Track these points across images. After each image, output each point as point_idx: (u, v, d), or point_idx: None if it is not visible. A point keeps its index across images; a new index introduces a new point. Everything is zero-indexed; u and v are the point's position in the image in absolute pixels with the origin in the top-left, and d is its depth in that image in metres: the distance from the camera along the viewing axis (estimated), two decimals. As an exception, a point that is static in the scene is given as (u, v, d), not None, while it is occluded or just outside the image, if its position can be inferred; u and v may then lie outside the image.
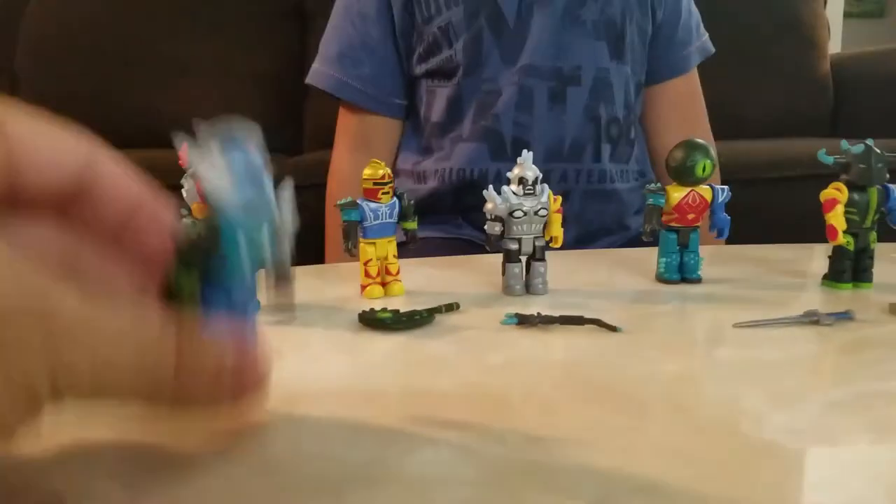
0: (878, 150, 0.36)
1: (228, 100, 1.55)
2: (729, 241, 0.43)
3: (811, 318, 0.32)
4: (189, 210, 0.35)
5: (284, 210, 0.20)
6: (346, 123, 0.75)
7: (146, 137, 1.47)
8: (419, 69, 0.72)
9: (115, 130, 1.42)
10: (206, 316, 0.19)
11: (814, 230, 0.44)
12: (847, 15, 5.28)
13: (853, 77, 1.66)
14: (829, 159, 0.37)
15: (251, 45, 1.58)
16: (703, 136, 0.75)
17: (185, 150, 0.34)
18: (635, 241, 0.70)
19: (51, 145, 0.18)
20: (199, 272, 0.19)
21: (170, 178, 0.90)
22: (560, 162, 0.67)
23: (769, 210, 1.10)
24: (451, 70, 0.69)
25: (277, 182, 0.21)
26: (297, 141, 1.59)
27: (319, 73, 0.74)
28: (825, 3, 1.74)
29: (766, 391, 0.24)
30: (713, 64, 1.60)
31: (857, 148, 0.37)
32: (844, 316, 0.32)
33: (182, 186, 0.35)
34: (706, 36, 0.78)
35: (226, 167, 0.19)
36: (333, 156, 0.76)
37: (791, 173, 1.14)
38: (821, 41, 1.68)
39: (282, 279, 0.20)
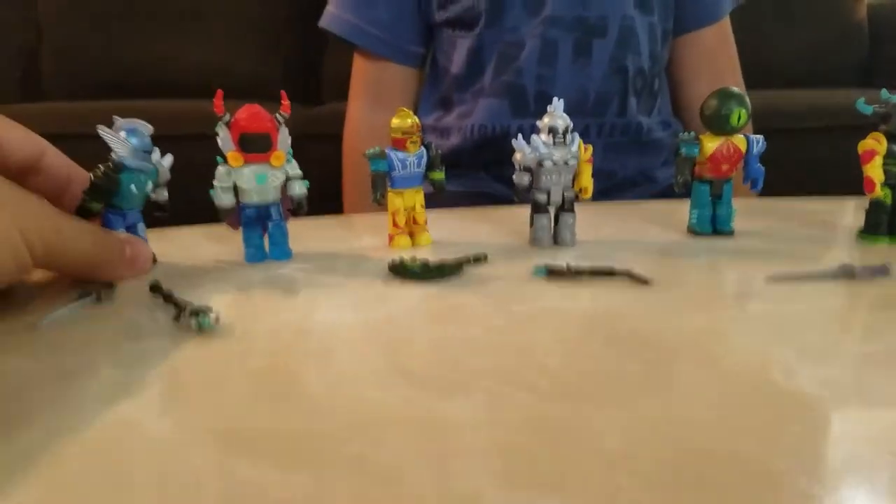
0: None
1: (245, 48, 1.54)
2: (762, 193, 0.42)
3: (846, 272, 0.31)
4: (224, 158, 0.35)
5: (163, 170, 0.36)
6: (361, 71, 0.74)
7: (166, 85, 1.48)
8: (439, 16, 0.70)
9: (135, 78, 1.43)
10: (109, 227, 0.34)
11: (849, 181, 0.43)
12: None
13: (891, 23, 1.60)
14: (868, 109, 0.36)
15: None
16: (735, 86, 0.74)
17: (220, 97, 0.34)
18: (663, 195, 0.70)
19: (20, 137, 0.32)
20: (103, 203, 0.34)
21: (186, 126, 0.90)
22: (583, 116, 0.66)
23: (803, 161, 1.07)
24: (473, 19, 0.68)
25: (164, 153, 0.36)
26: (316, 91, 1.58)
27: (333, 16, 0.73)
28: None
29: (797, 344, 0.24)
30: (743, 8, 1.55)
31: (900, 97, 0.36)
32: (880, 270, 0.31)
33: (217, 134, 0.35)
34: None
35: (126, 144, 0.34)
36: (349, 106, 0.75)
37: (826, 123, 1.11)
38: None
39: (161, 208, 0.36)
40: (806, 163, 1.08)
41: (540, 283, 0.33)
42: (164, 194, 0.36)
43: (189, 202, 0.44)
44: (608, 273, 0.33)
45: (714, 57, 0.75)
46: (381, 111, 0.72)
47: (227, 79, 1.52)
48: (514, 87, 0.66)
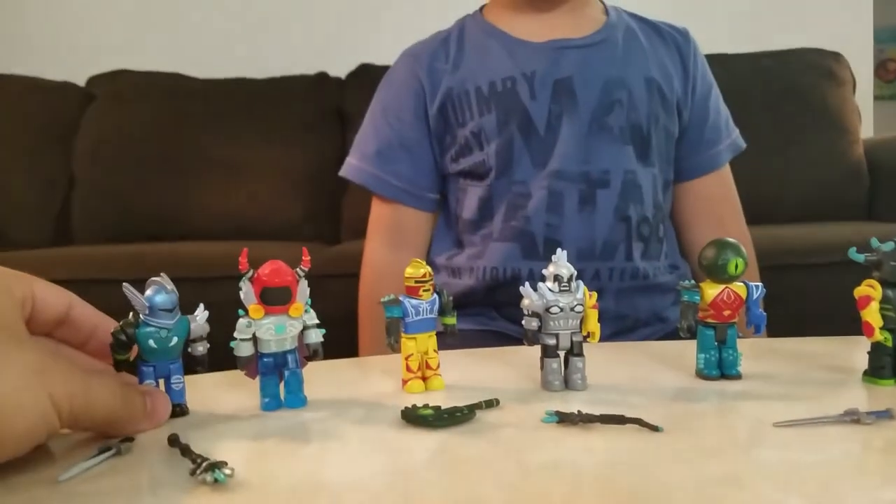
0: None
1: (274, 197, 1.63)
2: (770, 332, 0.43)
3: (852, 417, 0.32)
4: (245, 310, 0.37)
5: (195, 325, 0.38)
6: (380, 215, 0.78)
7: (201, 232, 1.55)
8: (452, 168, 0.75)
9: (172, 228, 1.51)
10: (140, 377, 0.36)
11: (857, 316, 0.44)
12: (878, 97, 5.32)
13: (888, 161, 1.66)
14: (860, 257, 0.38)
15: (295, 146, 1.69)
16: (736, 231, 0.77)
17: (245, 256, 0.37)
18: (673, 334, 0.70)
19: (52, 294, 0.35)
20: (127, 355, 0.36)
21: (214, 269, 0.93)
22: (592, 261, 0.68)
23: (807, 296, 1.08)
24: (484, 172, 0.72)
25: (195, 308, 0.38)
26: (335, 231, 1.65)
27: (356, 168, 0.78)
28: (854, 89, 1.77)
29: (810, 495, 0.24)
30: (748, 151, 1.63)
31: (888, 245, 0.37)
32: (884, 414, 0.32)
33: (241, 289, 0.37)
34: (736, 132, 0.80)
35: (142, 301, 0.36)
36: (366, 247, 0.79)
37: (827, 259, 1.13)
38: (852, 127, 1.70)
39: (198, 362, 0.38)
40: (810, 298, 1.10)
41: (552, 429, 0.33)
42: (198, 349, 0.38)
43: (214, 347, 0.45)
44: (619, 420, 0.33)
45: (715, 203, 0.78)
46: (399, 252, 0.75)
47: (253, 224, 1.60)
48: (523, 233, 0.70)
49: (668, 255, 0.74)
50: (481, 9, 0.80)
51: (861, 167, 1.67)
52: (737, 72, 1.73)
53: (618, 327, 0.70)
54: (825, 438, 0.30)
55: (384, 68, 1.86)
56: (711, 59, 1.80)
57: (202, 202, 1.64)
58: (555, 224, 0.69)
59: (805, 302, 1.08)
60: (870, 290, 0.37)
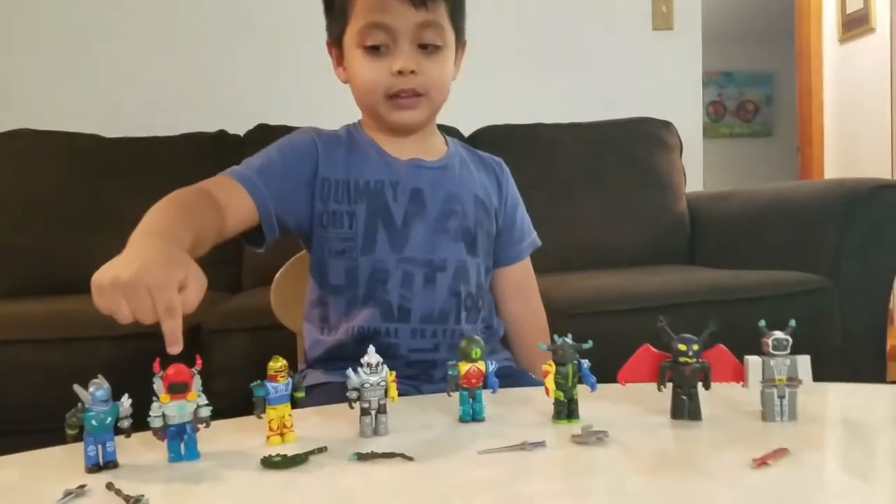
0: (570, 342, 0.63)
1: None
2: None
3: (523, 445, 0.56)
4: (158, 397, 0.57)
5: (122, 409, 0.57)
6: (225, 184, 0.87)
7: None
8: (321, 236, 0.93)
9: (79, 282, 1.64)
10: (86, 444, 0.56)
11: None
12: (738, 135, 5.95)
13: (705, 213, 2.01)
14: (544, 347, 0.63)
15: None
16: (535, 303, 1.07)
17: (157, 362, 0.57)
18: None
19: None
20: (78, 430, 0.56)
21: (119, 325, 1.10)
22: (432, 324, 0.92)
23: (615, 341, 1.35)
24: (350, 248, 0.93)
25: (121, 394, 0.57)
26: (237, 280, 1.81)
27: (236, 170, 0.90)
28: (681, 153, 2.12)
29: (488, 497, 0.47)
30: (592, 209, 1.94)
31: (560, 340, 0.63)
32: (540, 444, 0.56)
33: (154, 383, 0.57)
34: (534, 234, 1.08)
35: (87, 395, 0.55)
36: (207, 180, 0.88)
37: (638, 305, 1.41)
38: (676, 185, 2.05)
39: (123, 432, 0.57)
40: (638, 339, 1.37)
41: (353, 465, 0.55)
42: (124, 423, 0.57)
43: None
44: (391, 455, 0.56)
45: (520, 285, 1.06)
46: (217, 204, 0.83)
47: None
48: (383, 302, 0.92)
49: (485, 319, 0.99)
50: (359, 122, 1.00)
51: (683, 219, 2.02)
52: (584, 138, 2.05)
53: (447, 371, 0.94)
54: (502, 460, 0.54)
55: (281, 128, 2.04)
56: (564, 126, 2.10)
57: (106, 256, 1.74)
58: (406, 296, 0.92)
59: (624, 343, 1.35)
60: (548, 367, 0.62)
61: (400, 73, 0.89)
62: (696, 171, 2.38)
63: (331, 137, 0.99)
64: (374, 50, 0.89)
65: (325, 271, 0.96)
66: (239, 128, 1.98)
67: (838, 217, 1.55)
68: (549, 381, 0.63)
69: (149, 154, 1.90)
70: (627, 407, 0.68)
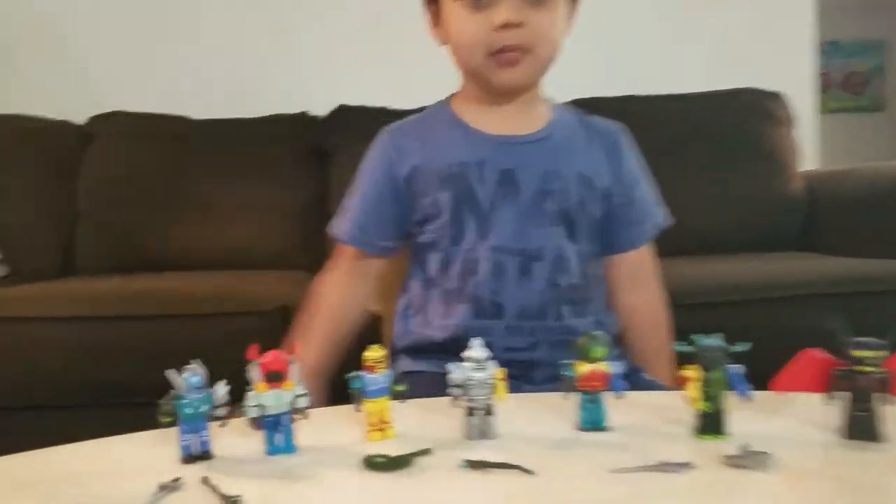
0: (719, 343, 0.54)
1: (261, 230, 1.78)
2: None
3: (660, 467, 0.48)
4: (254, 384, 0.53)
5: (217, 396, 0.53)
6: (345, 252, 0.93)
7: (194, 264, 1.70)
8: (418, 234, 0.91)
9: (169, 260, 1.66)
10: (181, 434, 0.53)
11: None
12: (845, 110, 5.51)
13: (824, 194, 1.83)
14: (682, 348, 0.54)
15: (280, 182, 1.83)
16: (654, 294, 0.96)
17: (254, 348, 0.53)
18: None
19: None
20: (172, 419, 0.53)
21: (213, 305, 1.11)
22: (529, 320, 0.84)
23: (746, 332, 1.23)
24: (440, 239, 0.88)
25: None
26: (319, 260, 1.79)
27: (335, 224, 0.94)
28: (792, 127, 1.93)
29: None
30: (694, 189, 1.79)
31: (701, 340, 0.54)
32: (685, 466, 0.48)
33: (249, 371, 0.53)
34: (661, 213, 0.96)
35: (181, 382, 0.52)
36: (331, 266, 0.94)
37: (762, 295, 1.29)
38: (787, 162, 1.87)
39: (222, 419, 0.54)
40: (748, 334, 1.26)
41: (463, 472, 0.49)
42: (219, 412, 0.53)
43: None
44: (507, 465, 0.50)
45: (637, 274, 0.95)
46: (356, 279, 0.93)
47: (242, 254, 1.75)
48: (474, 297, 0.85)
49: (594, 313, 0.90)
50: (450, 98, 0.95)
51: (797, 200, 1.83)
52: (681, 111, 1.91)
53: (551, 372, 0.86)
54: (639, 482, 0.47)
55: (360, 108, 2.00)
56: (659, 98, 1.96)
57: (194, 235, 1.77)
58: (498, 290, 0.85)
59: (737, 338, 1.24)
60: (691, 373, 0.54)
61: (504, 26, 0.80)
62: (811, 149, 2.18)
63: (404, 130, 0.94)
64: (473, 1, 0.81)
65: (420, 262, 0.92)
66: (320, 109, 1.95)
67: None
68: (693, 390, 0.54)
69: (234, 135, 1.90)
70: (785, 421, 0.58)
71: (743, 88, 1.94)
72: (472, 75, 0.88)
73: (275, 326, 1.27)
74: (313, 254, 1.79)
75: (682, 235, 1.80)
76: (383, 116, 1.86)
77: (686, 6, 2.24)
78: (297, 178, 1.85)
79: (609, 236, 0.93)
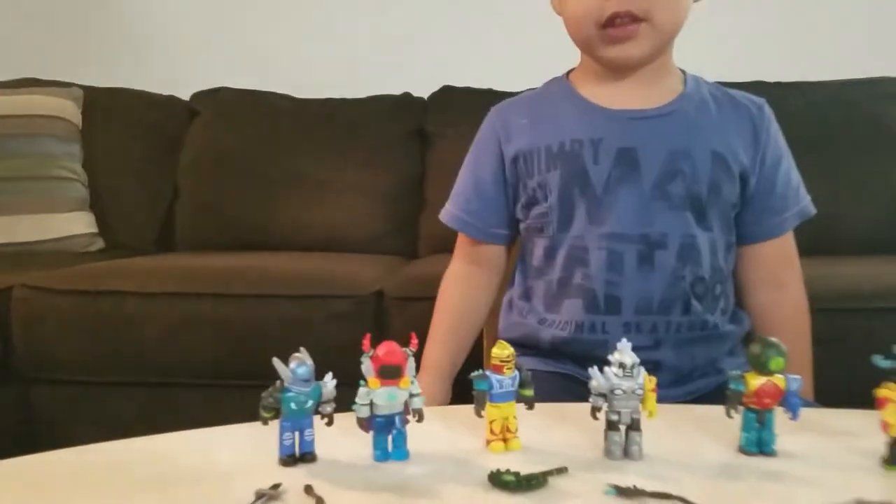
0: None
1: (358, 212, 1.74)
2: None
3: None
4: (366, 381, 0.47)
5: (326, 390, 0.47)
6: (461, 242, 0.89)
7: (291, 243, 1.69)
8: (524, 218, 0.83)
9: (266, 239, 1.64)
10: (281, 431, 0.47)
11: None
12: None
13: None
14: (885, 364, 0.43)
15: (379, 164, 1.78)
16: (795, 294, 0.82)
17: (367, 339, 0.46)
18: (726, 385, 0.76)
19: None
20: (273, 414, 0.47)
21: (309, 286, 1.06)
22: (650, 315, 0.75)
23: (871, 340, 1.09)
24: (546, 224, 0.80)
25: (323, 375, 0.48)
26: (414, 246, 1.74)
27: (445, 209, 0.89)
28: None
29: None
30: (820, 183, 1.63)
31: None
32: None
33: (362, 363, 0.46)
34: (806, 200, 0.83)
35: (287, 373, 0.46)
36: (452, 261, 0.90)
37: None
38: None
39: (327, 417, 0.48)
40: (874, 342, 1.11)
41: (610, 500, 0.41)
42: (326, 409, 0.47)
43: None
44: (667, 496, 0.41)
45: (775, 269, 0.82)
46: (475, 271, 0.87)
47: (338, 236, 1.72)
48: (586, 290, 0.76)
49: (726, 309, 0.79)
50: (569, 72, 0.87)
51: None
52: (814, 99, 1.73)
53: (675, 375, 0.76)
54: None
55: (465, 90, 1.93)
56: (790, 85, 1.78)
57: (292, 215, 1.76)
58: (615, 282, 0.75)
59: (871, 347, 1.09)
60: (889, 392, 0.43)
61: None
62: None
63: (514, 107, 0.86)
64: None
65: (528, 250, 0.84)
66: (423, 90, 1.89)
67: None
68: (891, 413, 0.43)
69: (336, 115, 1.88)
70: None
71: (883, 77, 1.75)
72: (586, 49, 0.80)
73: (369, 311, 1.23)
74: (410, 238, 1.75)
75: (810, 235, 1.64)
76: (488, 98, 1.78)
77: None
78: (396, 160, 1.80)
79: (746, 224, 0.81)
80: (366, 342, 0.46)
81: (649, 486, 0.42)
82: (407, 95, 1.90)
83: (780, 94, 1.73)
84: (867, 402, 0.47)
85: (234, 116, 1.89)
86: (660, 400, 0.68)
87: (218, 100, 1.91)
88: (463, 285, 0.88)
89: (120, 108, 1.90)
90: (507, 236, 0.86)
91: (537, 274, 0.82)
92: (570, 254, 0.78)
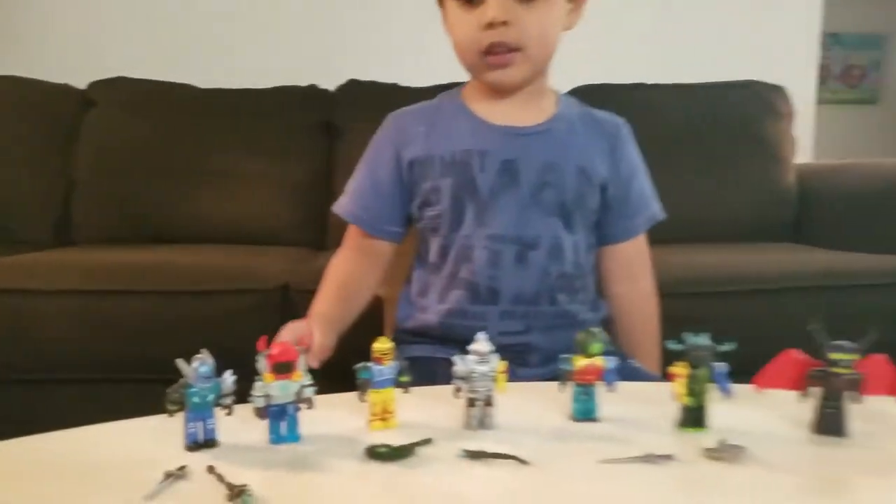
0: (707, 342, 0.56)
1: (265, 204, 1.78)
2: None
3: (648, 457, 0.50)
4: (262, 375, 0.55)
5: (226, 384, 0.54)
6: (353, 234, 0.96)
7: (195, 236, 1.70)
8: (420, 217, 0.92)
9: (170, 231, 1.65)
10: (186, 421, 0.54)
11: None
12: (842, 101, 5.52)
13: (817, 188, 1.84)
14: (676, 346, 0.56)
15: (286, 156, 1.82)
16: (645, 286, 0.97)
17: (263, 341, 0.54)
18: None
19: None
20: (180, 407, 0.53)
21: (214, 281, 1.13)
22: (523, 305, 0.86)
23: (726, 322, 1.24)
24: (439, 225, 0.89)
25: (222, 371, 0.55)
26: (322, 237, 1.80)
27: (339, 202, 0.97)
28: (792, 120, 1.94)
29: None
30: (692, 178, 1.81)
31: (691, 339, 0.56)
32: (668, 458, 0.50)
33: (258, 361, 0.54)
34: (656, 207, 0.97)
35: (190, 371, 0.53)
36: (340, 249, 0.97)
37: (745, 288, 1.31)
38: (785, 155, 1.88)
39: (227, 409, 0.55)
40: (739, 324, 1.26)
41: (462, 462, 0.51)
42: (226, 401, 0.55)
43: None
44: (504, 456, 0.52)
45: (630, 265, 0.97)
46: (364, 260, 0.95)
47: (244, 229, 1.75)
48: (471, 283, 0.87)
49: (585, 301, 0.92)
50: (462, 86, 0.96)
51: (791, 193, 1.85)
52: (687, 100, 1.91)
53: (543, 356, 0.88)
54: (626, 473, 0.49)
55: (371, 84, 1.98)
56: (667, 87, 1.95)
57: (196, 207, 1.77)
58: (494, 276, 0.86)
59: (733, 330, 1.25)
60: (679, 370, 0.56)
61: (490, 25, 0.81)
62: (807, 141, 2.20)
63: (411, 116, 0.95)
64: (467, 1, 0.83)
65: (424, 248, 0.94)
66: (330, 83, 1.93)
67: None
68: (679, 385, 0.56)
69: (240, 106, 1.88)
70: (762, 415, 0.61)
71: (748, 81, 1.95)
72: (471, 71, 0.90)
73: (275, 305, 1.29)
74: (317, 229, 1.80)
75: (681, 224, 1.81)
76: (394, 93, 1.85)
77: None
78: (303, 151, 1.84)
79: (604, 227, 0.94)
80: (261, 343, 0.54)
81: (494, 449, 0.52)
82: (313, 87, 1.92)
83: (658, 96, 1.91)
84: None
85: (133, 106, 1.86)
86: (531, 377, 0.81)
87: (116, 89, 1.88)
88: (351, 264, 0.95)
89: (11, 97, 1.84)
90: (398, 234, 0.95)
91: (433, 270, 0.92)
92: (459, 252, 0.88)
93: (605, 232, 0.94)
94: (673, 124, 1.86)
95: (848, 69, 5.28)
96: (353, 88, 1.90)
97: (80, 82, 1.90)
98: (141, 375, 1.25)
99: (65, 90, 1.90)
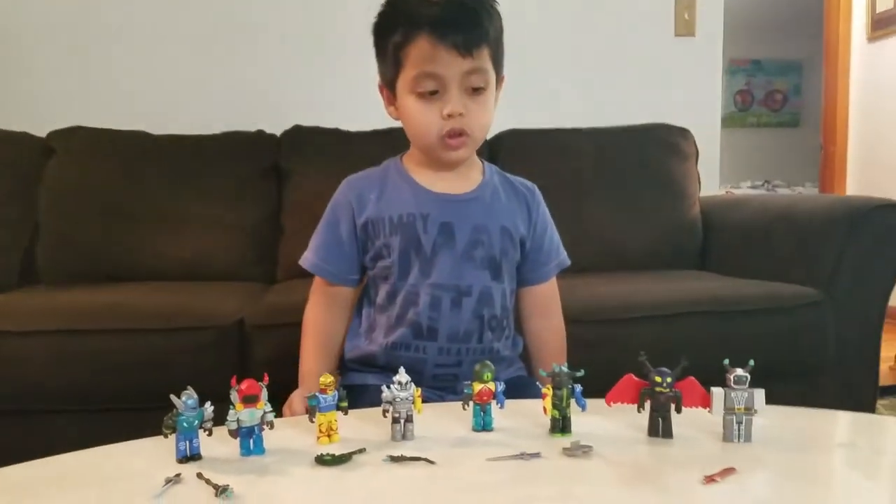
0: (566, 370, 0.76)
1: (218, 244, 1.92)
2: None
3: (523, 456, 0.70)
4: (234, 405, 0.72)
5: (207, 412, 0.71)
6: (319, 284, 1.14)
7: (153, 274, 1.83)
8: (371, 267, 1.11)
9: (129, 271, 1.80)
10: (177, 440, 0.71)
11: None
12: (765, 124, 5.94)
13: (719, 220, 2.09)
14: (544, 373, 0.76)
15: (237, 198, 1.97)
16: (556, 322, 1.18)
17: (234, 379, 0.71)
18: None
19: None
20: (173, 430, 0.70)
21: (174, 320, 1.30)
22: (456, 342, 1.06)
23: (620, 347, 1.44)
24: (389, 274, 1.08)
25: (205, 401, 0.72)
26: (272, 273, 1.95)
27: (306, 257, 1.14)
28: (696, 160, 2.19)
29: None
30: (606, 213, 2.02)
31: (558, 368, 0.76)
32: (536, 455, 0.70)
33: (231, 395, 0.72)
34: (563, 255, 1.19)
35: (181, 403, 0.69)
36: (311, 298, 1.14)
37: (639, 314, 1.52)
38: (690, 193, 2.13)
39: (208, 431, 0.71)
40: (637, 347, 1.47)
41: (386, 465, 0.70)
42: (207, 426, 0.72)
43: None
44: (417, 459, 0.70)
45: (543, 304, 1.17)
46: (332, 308, 1.13)
47: (200, 267, 1.88)
48: (415, 323, 1.05)
49: (507, 337, 1.12)
50: (402, 156, 1.15)
51: (696, 225, 2.09)
52: (601, 143, 2.14)
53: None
54: (506, 467, 0.68)
55: (313, 129, 2.15)
56: (582, 132, 2.17)
57: (153, 247, 1.89)
58: (434, 318, 1.05)
59: (616, 352, 1.46)
60: (547, 390, 0.76)
61: (450, 116, 1.01)
62: (712, 175, 2.46)
63: (364, 182, 1.13)
64: (426, 96, 1.02)
65: (373, 292, 1.12)
66: (276, 128, 2.09)
67: (840, 233, 1.62)
68: (547, 402, 0.76)
69: (192, 151, 2.02)
70: (612, 424, 0.81)
71: (656, 124, 2.20)
72: (424, 150, 1.09)
73: (232, 340, 1.44)
74: (268, 265, 1.96)
75: (599, 255, 2.05)
76: (335, 137, 2.03)
77: (608, 47, 2.51)
78: (253, 194, 1.99)
79: (522, 273, 1.15)
80: (233, 380, 0.72)
81: (411, 454, 0.71)
82: (260, 132, 2.08)
83: (574, 139, 2.14)
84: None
85: (91, 154, 1.98)
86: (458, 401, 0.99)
87: (74, 138, 1.99)
88: (325, 313, 1.12)
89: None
90: (355, 280, 1.14)
91: (380, 310, 1.10)
92: (406, 297, 1.07)
93: (523, 277, 1.16)
94: (588, 165, 2.10)
95: (770, 94, 5.72)
96: (298, 133, 2.06)
97: (40, 131, 2.01)
98: (112, 405, 1.39)
99: (25, 139, 2.01)
